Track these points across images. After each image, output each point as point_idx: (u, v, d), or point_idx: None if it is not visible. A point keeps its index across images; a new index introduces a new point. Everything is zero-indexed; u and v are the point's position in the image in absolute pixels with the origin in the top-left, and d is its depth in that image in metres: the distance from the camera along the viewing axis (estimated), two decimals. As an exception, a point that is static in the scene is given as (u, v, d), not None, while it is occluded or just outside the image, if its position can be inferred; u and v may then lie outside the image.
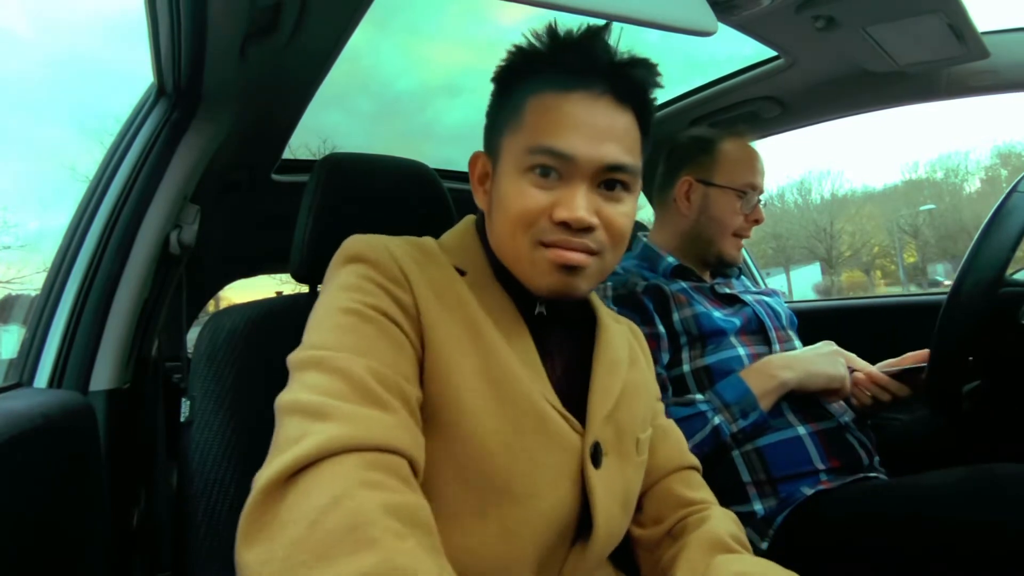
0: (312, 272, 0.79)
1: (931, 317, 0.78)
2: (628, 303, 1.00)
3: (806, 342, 1.09)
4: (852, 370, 0.96)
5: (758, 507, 0.89)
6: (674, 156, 1.15)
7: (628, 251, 1.16)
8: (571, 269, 0.55)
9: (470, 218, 0.67)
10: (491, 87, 0.64)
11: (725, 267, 1.13)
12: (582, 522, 0.56)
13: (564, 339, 0.64)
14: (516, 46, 0.60)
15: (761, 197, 1.09)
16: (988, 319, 0.71)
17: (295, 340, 0.53)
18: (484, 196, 0.63)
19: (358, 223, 0.76)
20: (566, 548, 0.57)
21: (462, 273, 0.59)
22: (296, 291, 0.88)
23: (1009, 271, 0.73)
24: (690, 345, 0.99)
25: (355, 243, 0.58)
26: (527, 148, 0.56)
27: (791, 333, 1.09)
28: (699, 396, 0.93)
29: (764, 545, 0.86)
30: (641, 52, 0.59)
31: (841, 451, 0.92)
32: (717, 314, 1.01)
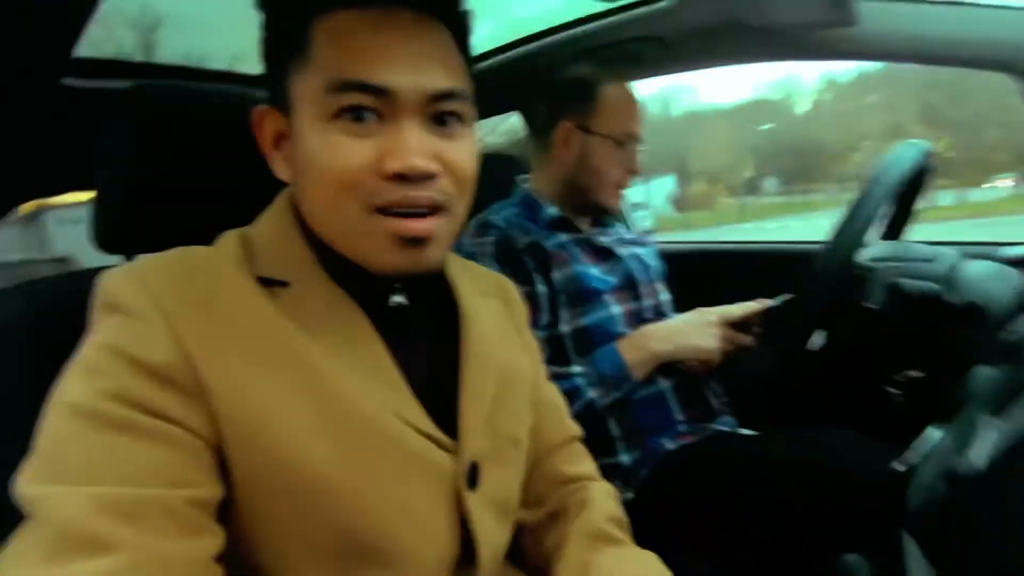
0: (122, 238, 0.63)
1: (797, 266, 0.82)
2: (510, 261, 0.96)
3: (679, 287, 1.15)
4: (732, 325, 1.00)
5: (624, 458, 0.95)
6: (553, 98, 1.08)
7: (507, 199, 1.11)
8: (418, 241, 0.47)
9: (283, 196, 0.54)
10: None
11: (604, 215, 1.12)
12: (464, 549, 0.51)
13: (427, 328, 0.56)
14: None
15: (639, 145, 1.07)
16: (838, 292, 0.77)
17: None
18: (284, 163, 0.51)
19: (183, 178, 0.62)
20: None
21: (282, 284, 0.48)
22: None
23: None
24: (569, 305, 0.98)
25: (110, 285, 0.44)
26: (327, 87, 0.45)
27: (659, 286, 1.12)
28: (575, 369, 0.94)
29: (629, 495, 0.92)
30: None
31: (697, 402, 1.00)
32: (594, 272, 1.01)
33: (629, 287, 1.06)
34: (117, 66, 1.21)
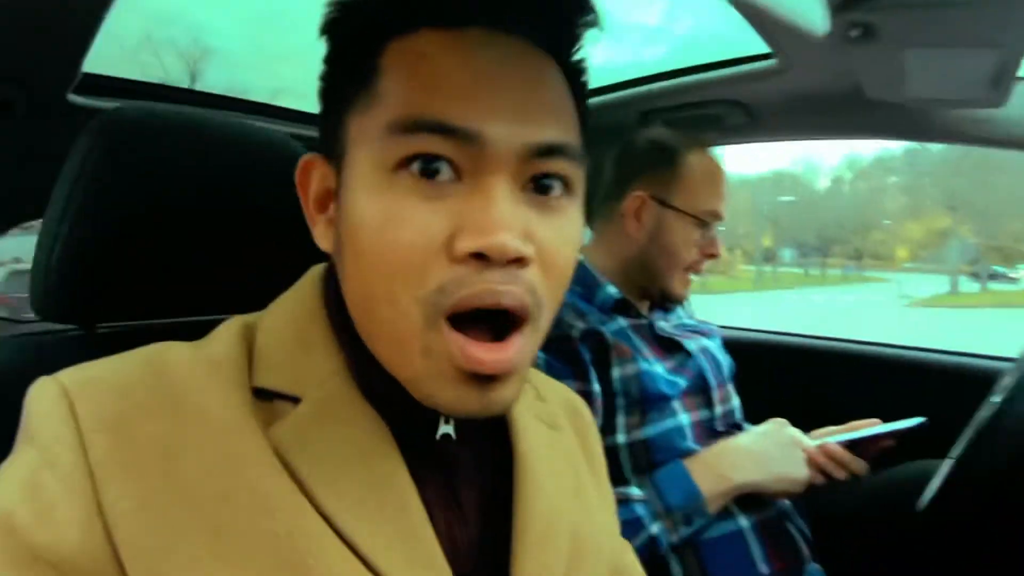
0: (79, 301, 0.48)
1: (873, 371, 0.65)
2: (561, 353, 0.79)
3: (739, 383, 0.96)
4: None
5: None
6: (626, 161, 0.93)
7: None
8: (491, 379, 0.33)
9: (316, 271, 0.41)
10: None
11: (668, 303, 0.96)
12: None
13: (477, 473, 0.40)
14: None
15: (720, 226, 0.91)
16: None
17: None
18: (328, 230, 0.38)
19: (174, 228, 0.48)
20: None
21: (295, 400, 0.35)
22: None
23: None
24: (627, 410, 0.81)
25: (33, 399, 0.32)
26: (392, 125, 0.32)
27: (730, 388, 0.94)
28: (635, 491, 0.75)
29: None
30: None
31: (783, 546, 0.80)
32: (660, 371, 0.84)
33: (701, 391, 0.88)
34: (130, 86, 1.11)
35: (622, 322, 0.87)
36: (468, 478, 0.39)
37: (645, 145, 0.92)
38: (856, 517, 0.91)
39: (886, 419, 0.83)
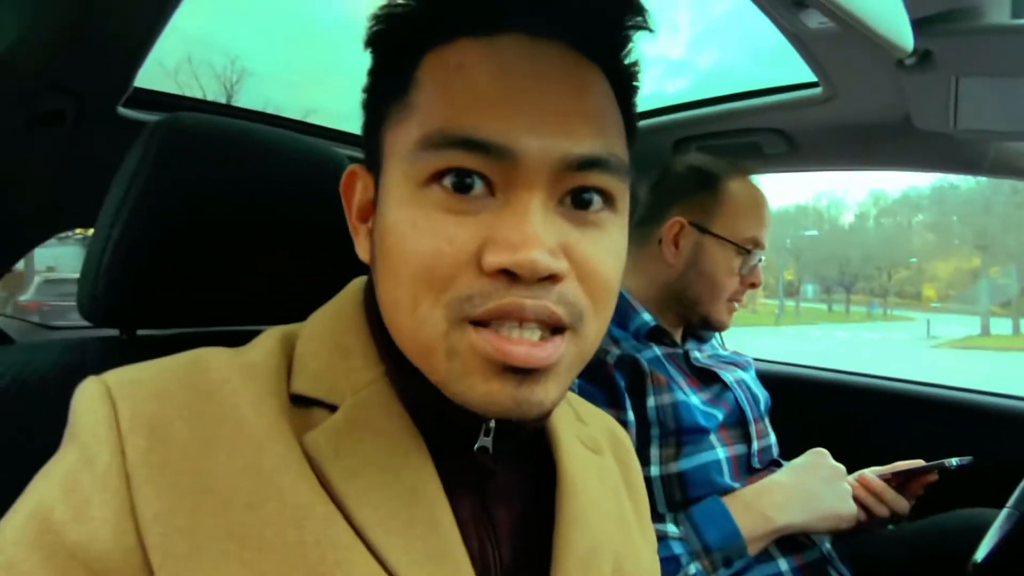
0: (111, 311, 0.48)
1: (913, 410, 0.64)
2: (595, 378, 0.77)
3: (772, 418, 0.92)
4: None
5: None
6: (664, 186, 0.92)
7: None
8: (527, 372, 0.31)
9: (357, 283, 0.41)
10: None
11: (709, 331, 0.93)
12: None
13: (515, 492, 0.39)
14: None
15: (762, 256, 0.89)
16: None
17: None
18: (367, 241, 0.39)
19: (215, 238, 0.48)
20: None
21: (332, 408, 0.34)
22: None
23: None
24: (662, 441, 0.78)
25: (79, 400, 0.32)
26: (423, 140, 0.32)
27: (767, 423, 0.91)
28: (673, 529, 0.72)
29: None
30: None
31: None
32: (697, 402, 0.81)
33: (739, 424, 0.85)
34: (180, 101, 1.14)
35: (657, 350, 0.85)
36: (504, 498, 0.38)
37: (684, 171, 0.91)
38: (902, 566, 0.85)
39: (928, 460, 0.79)
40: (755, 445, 0.85)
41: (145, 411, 0.31)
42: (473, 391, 0.32)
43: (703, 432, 0.79)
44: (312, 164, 0.55)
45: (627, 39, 0.36)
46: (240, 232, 0.50)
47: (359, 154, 0.39)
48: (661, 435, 0.78)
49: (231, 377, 0.34)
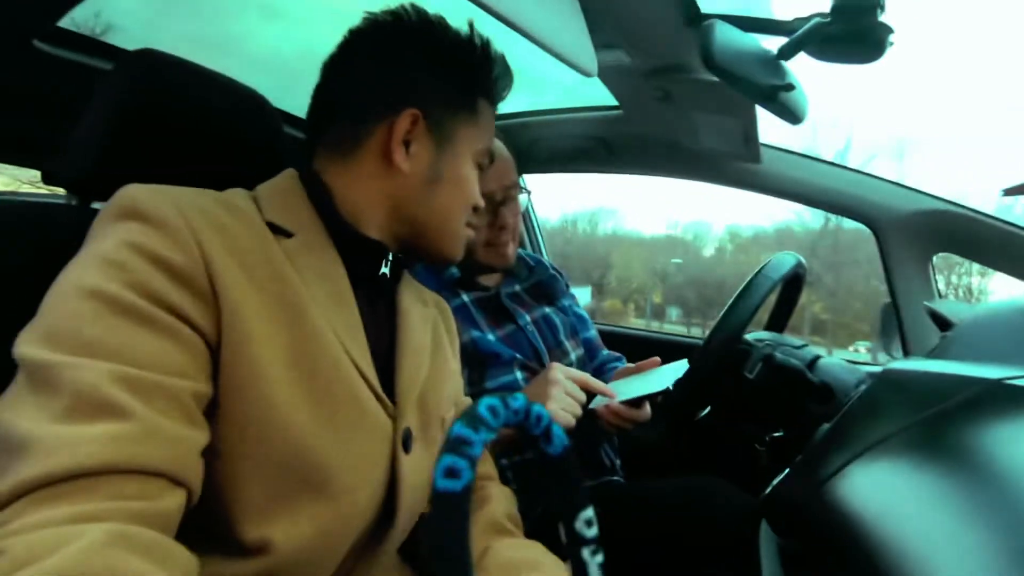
0: (92, 185, 0.64)
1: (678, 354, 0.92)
2: None
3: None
4: (591, 394, 0.90)
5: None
6: None
7: None
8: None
9: (291, 172, 0.60)
10: (374, 46, 0.60)
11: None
12: (386, 507, 0.55)
13: (388, 309, 0.63)
14: (473, 55, 0.62)
15: None
16: (724, 366, 0.90)
17: (42, 271, 0.42)
18: (406, 159, 0.59)
19: (170, 148, 0.63)
20: (367, 538, 0.55)
21: (287, 234, 0.53)
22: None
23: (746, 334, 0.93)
24: (470, 370, 0.96)
25: (135, 194, 0.46)
26: (484, 149, 0.65)
27: (568, 345, 1.11)
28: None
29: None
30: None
31: (591, 463, 1.06)
32: (492, 338, 1.00)
33: (534, 357, 1.03)
34: (98, 45, 1.21)
35: (465, 297, 1.01)
36: (384, 309, 0.62)
37: None
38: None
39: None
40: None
41: (187, 197, 0.47)
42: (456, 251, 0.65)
43: (500, 359, 0.96)
44: (255, 111, 0.72)
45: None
46: (186, 139, 0.65)
47: None
48: (467, 364, 0.94)
49: (229, 198, 0.52)
